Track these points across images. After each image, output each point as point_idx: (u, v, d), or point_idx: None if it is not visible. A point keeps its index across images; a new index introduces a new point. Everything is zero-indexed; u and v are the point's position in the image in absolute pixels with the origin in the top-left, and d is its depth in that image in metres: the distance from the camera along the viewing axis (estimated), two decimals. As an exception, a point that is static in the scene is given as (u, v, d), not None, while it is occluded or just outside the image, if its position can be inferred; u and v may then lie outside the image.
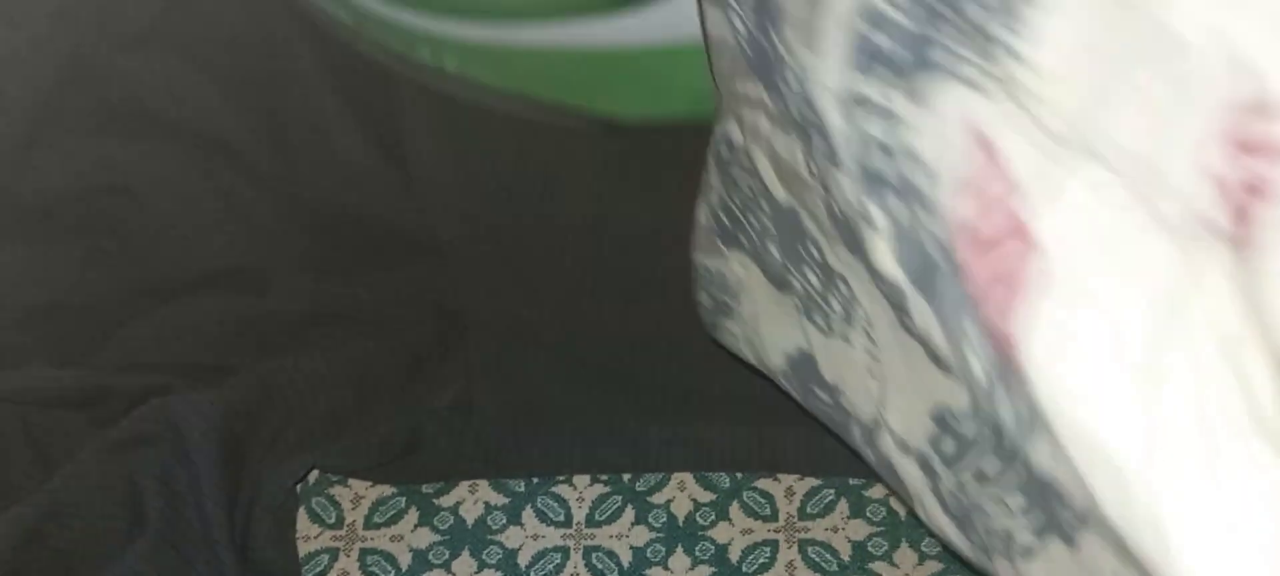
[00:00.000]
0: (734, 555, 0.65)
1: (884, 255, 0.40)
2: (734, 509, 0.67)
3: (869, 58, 0.36)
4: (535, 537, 0.67)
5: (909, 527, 0.65)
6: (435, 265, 0.72)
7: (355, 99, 0.76)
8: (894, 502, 0.66)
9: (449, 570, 0.66)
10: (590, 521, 0.67)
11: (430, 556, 0.67)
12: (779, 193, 0.48)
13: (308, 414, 0.66)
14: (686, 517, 0.67)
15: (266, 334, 0.69)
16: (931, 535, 0.61)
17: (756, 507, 0.67)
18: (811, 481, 0.67)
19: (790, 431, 0.67)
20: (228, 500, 0.63)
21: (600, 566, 0.66)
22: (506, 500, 0.68)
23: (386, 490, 0.68)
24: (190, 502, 0.64)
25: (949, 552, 0.63)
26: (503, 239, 0.72)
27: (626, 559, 0.66)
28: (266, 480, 0.64)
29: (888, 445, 0.48)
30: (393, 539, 0.67)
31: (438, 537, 0.67)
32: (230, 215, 0.73)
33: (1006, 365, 0.36)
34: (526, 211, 0.73)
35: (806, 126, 0.41)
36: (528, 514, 0.67)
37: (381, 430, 0.66)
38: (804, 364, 0.53)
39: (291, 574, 0.64)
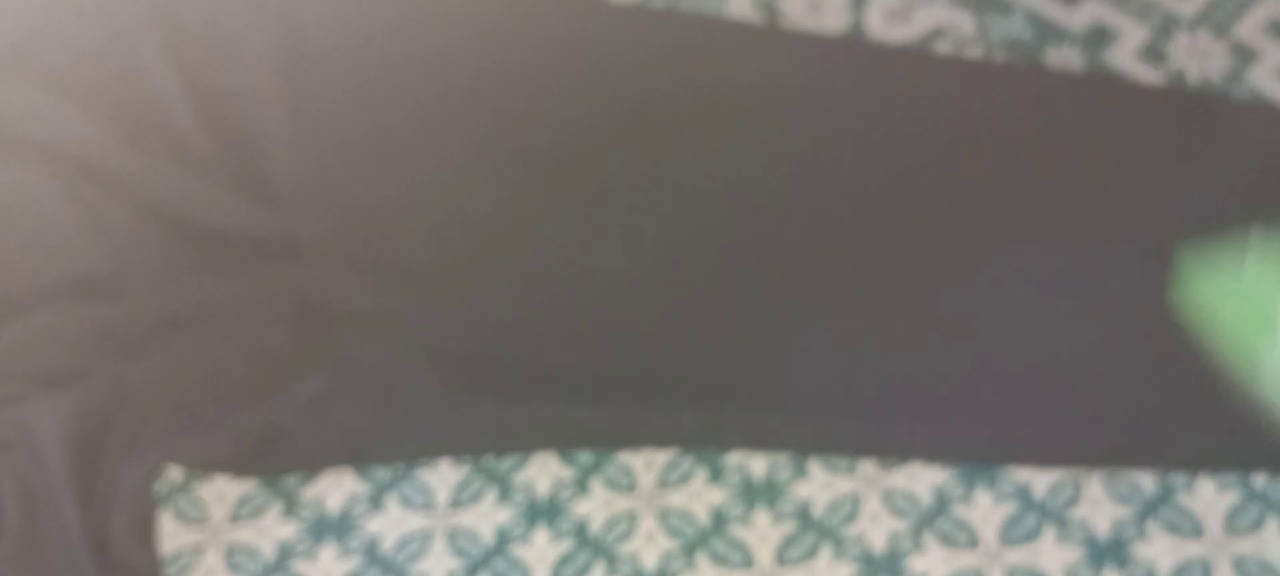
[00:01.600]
0: (595, 526, 0.65)
1: None
2: (595, 483, 0.67)
3: None
4: (399, 523, 0.66)
5: (762, 492, 0.66)
6: (293, 266, 0.72)
7: (212, 110, 0.76)
8: (750, 468, 0.66)
9: (313, 558, 0.65)
10: (454, 503, 0.66)
11: (295, 547, 0.65)
12: None
13: (162, 412, 0.65)
14: (548, 494, 0.66)
15: (124, 338, 0.68)
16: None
17: (617, 480, 0.66)
18: (671, 452, 0.67)
19: (651, 408, 0.67)
20: (84, 501, 0.62)
21: (464, 546, 0.65)
22: (370, 488, 0.67)
23: (250, 485, 0.67)
24: (47, 505, 0.62)
25: (803, 515, 0.64)
26: (365, 235, 0.73)
27: (490, 537, 0.65)
28: (122, 479, 0.63)
29: None
30: (258, 532, 0.66)
31: (302, 527, 0.66)
32: (88, 226, 0.72)
33: None
34: (388, 207, 0.73)
35: None
36: (391, 500, 0.66)
37: (237, 424, 0.65)
38: None
39: (152, 572, 0.63)
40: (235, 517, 0.66)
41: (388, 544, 0.65)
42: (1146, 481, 0.65)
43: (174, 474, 0.68)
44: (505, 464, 0.67)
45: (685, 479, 0.67)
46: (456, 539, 0.65)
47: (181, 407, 0.66)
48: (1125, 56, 0.77)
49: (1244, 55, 0.77)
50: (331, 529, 0.66)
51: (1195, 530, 0.63)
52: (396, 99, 0.77)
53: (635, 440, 0.67)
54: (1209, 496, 0.64)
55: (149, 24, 0.81)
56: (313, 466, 0.67)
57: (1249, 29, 0.78)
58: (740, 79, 0.78)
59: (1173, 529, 0.63)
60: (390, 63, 0.77)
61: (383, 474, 0.67)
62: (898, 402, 0.67)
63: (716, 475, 0.67)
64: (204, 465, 0.66)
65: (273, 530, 0.66)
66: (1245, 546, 0.62)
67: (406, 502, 0.66)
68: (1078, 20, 0.79)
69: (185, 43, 0.80)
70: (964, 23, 0.79)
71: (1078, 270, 0.70)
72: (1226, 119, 0.74)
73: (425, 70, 0.78)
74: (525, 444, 0.67)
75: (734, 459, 0.67)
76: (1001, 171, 0.73)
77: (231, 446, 0.65)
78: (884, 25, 0.79)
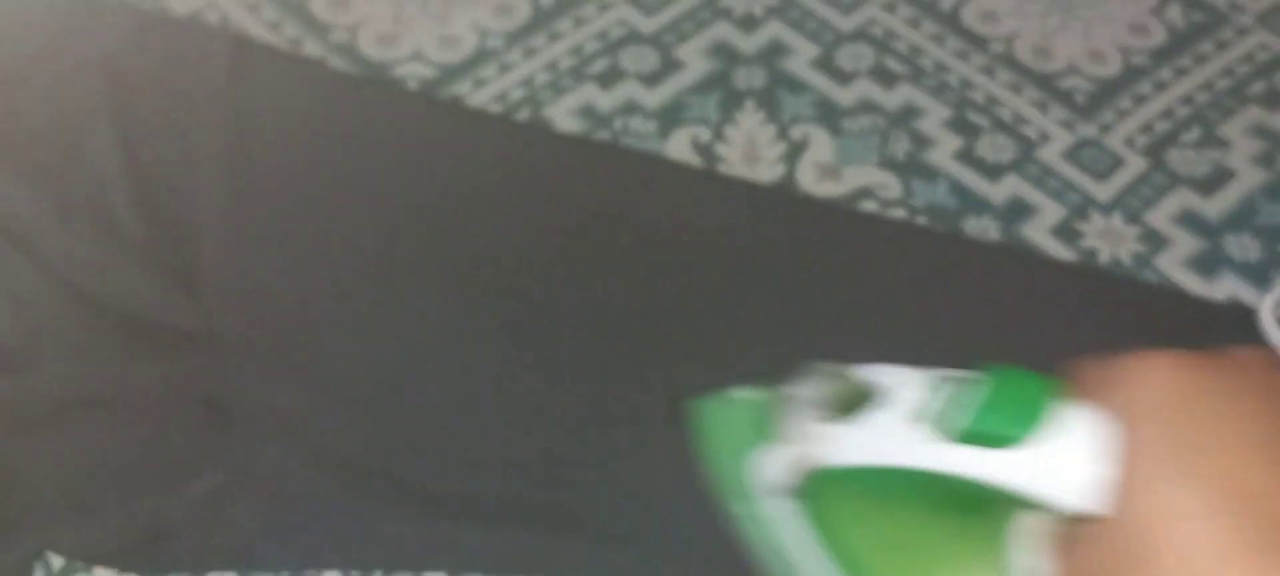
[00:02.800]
0: (480, 655, 0.63)
1: None
2: (485, 609, 0.64)
3: None
4: (279, 632, 0.63)
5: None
6: (210, 358, 0.70)
7: (151, 197, 0.75)
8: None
9: (187, 664, 0.62)
10: (338, 618, 0.64)
11: (169, 649, 0.63)
12: None
13: (48, 497, 0.63)
14: (436, 616, 0.64)
15: (23, 415, 0.66)
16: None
17: (508, 608, 0.65)
18: (565, 584, 0.65)
19: (542, 537, 0.65)
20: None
21: (344, 664, 0.62)
22: (255, 594, 0.65)
23: (132, 581, 0.65)
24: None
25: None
26: (286, 338, 0.71)
27: (371, 656, 0.63)
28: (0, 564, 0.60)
29: None
30: (133, 631, 0.63)
31: (180, 630, 0.63)
32: (7, 298, 0.70)
33: None
34: (313, 313, 0.72)
35: None
36: (275, 608, 0.64)
37: (123, 516, 0.63)
38: None
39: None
40: (111, 614, 0.64)
41: (266, 654, 0.63)
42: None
43: (55, 562, 0.65)
44: (395, 582, 0.65)
45: (577, 613, 0.65)
46: (335, 654, 0.63)
47: (68, 493, 0.63)
48: (1041, 232, 0.79)
49: (1154, 242, 0.79)
50: (210, 633, 0.63)
51: None
52: (336, 208, 0.76)
53: (526, 569, 0.65)
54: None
55: (100, 105, 0.80)
56: (197, 567, 0.64)
57: (1160, 217, 0.80)
58: (674, 217, 0.78)
59: None
60: (334, 172, 0.77)
61: (269, 580, 0.65)
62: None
63: (609, 611, 0.65)
64: (85, 556, 0.63)
65: (150, 629, 0.63)
66: None
67: (290, 612, 0.64)
68: (998, 193, 0.80)
69: (134, 127, 0.79)
70: (891, 185, 0.80)
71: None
72: (1134, 299, 0.76)
73: (367, 185, 0.77)
74: (417, 563, 0.64)
75: (628, 595, 0.65)
76: (916, 331, 0.74)
77: (115, 539, 0.62)
78: (815, 180, 0.80)
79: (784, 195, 0.79)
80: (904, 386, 0.49)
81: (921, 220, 0.79)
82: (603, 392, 0.70)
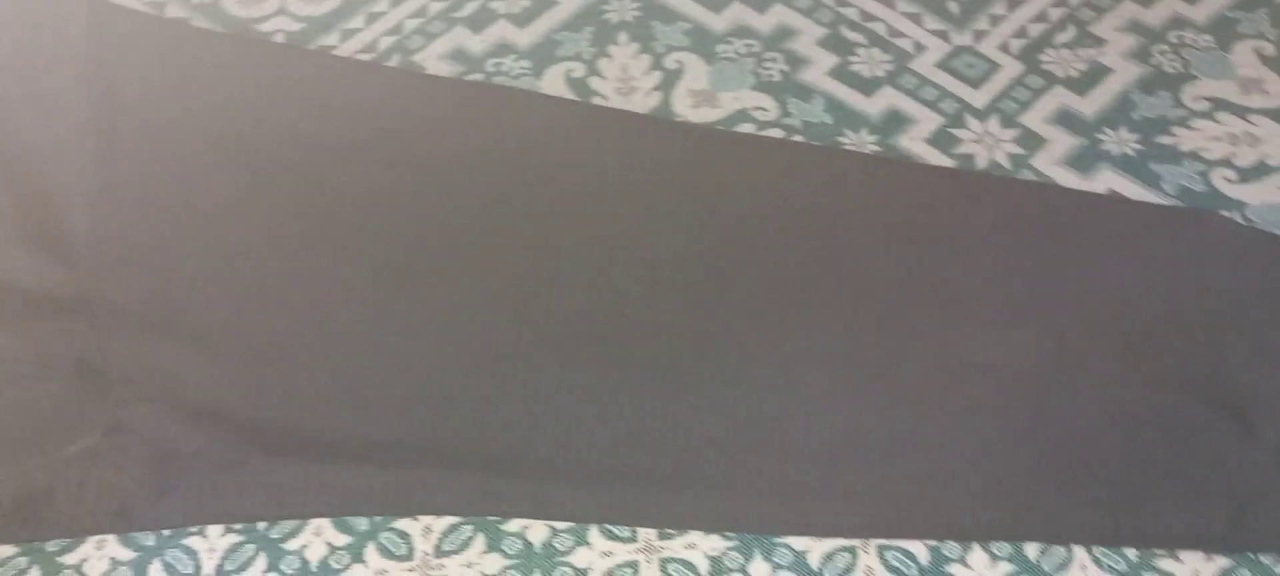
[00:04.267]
0: (366, 596, 0.62)
1: None
2: (370, 550, 0.64)
3: None
4: (160, 591, 0.63)
5: (542, 558, 0.64)
6: (82, 323, 0.69)
7: (18, 165, 0.73)
8: (529, 535, 0.64)
9: (66, 629, 0.62)
10: (220, 572, 0.63)
11: (47, 616, 0.62)
12: None
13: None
14: (320, 561, 0.63)
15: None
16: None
17: (392, 547, 0.64)
18: (451, 519, 0.65)
19: (431, 474, 0.65)
20: None
21: (226, 615, 0.62)
22: (134, 555, 0.63)
23: (9, 550, 0.63)
24: None
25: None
26: (157, 297, 0.70)
27: (254, 606, 0.62)
28: None
29: None
30: (9, 601, 0.62)
31: (57, 596, 0.62)
32: None
33: None
34: (183, 272, 0.71)
35: None
36: (155, 568, 0.63)
37: (-11, 483, 0.62)
38: None
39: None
40: (-13, 585, 0.63)
41: (146, 613, 0.62)
42: (921, 551, 0.64)
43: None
44: (278, 531, 0.64)
45: (463, 546, 0.64)
46: (219, 607, 0.62)
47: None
48: (917, 142, 0.79)
49: (1031, 142, 0.79)
50: (88, 597, 0.63)
51: (965, 599, 0.63)
52: (206, 167, 0.75)
53: (413, 507, 0.65)
54: (982, 568, 0.63)
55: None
56: (73, 532, 0.63)
57: (1036, 118, 0.81)
58: (549, 152, 0.77)
59: (944, 598, 0.63)
60: (203, 131, 0.75)
61: (149, 539, 0.64)
62: (680, 473, 0.66)
63: (496, 542, 0.64)
64: (-47, 525, 0.62)
65: (26, 598, 0.62)
66: (1014, 616, 0.62)
67: (170, 570, 0.63)
68: (874, 107, 0.81)
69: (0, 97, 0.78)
70: (767, 107, 0.80)
71: (861, 346, 0.70)
72: (1010, 197, 0.76)
73: (237, 141, 0.76)
74: (299, 510, 0.64)
75: (515, 527, 0.65)
76: (794, 247, 0.74)
77: (-17, 507, 0.61)
78: (691, 107, 0.80)
79: (659, 123, 0.79)
80: None
81: (798, 138, 0.79)
82: (481, 329, 0.70)
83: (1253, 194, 0.78)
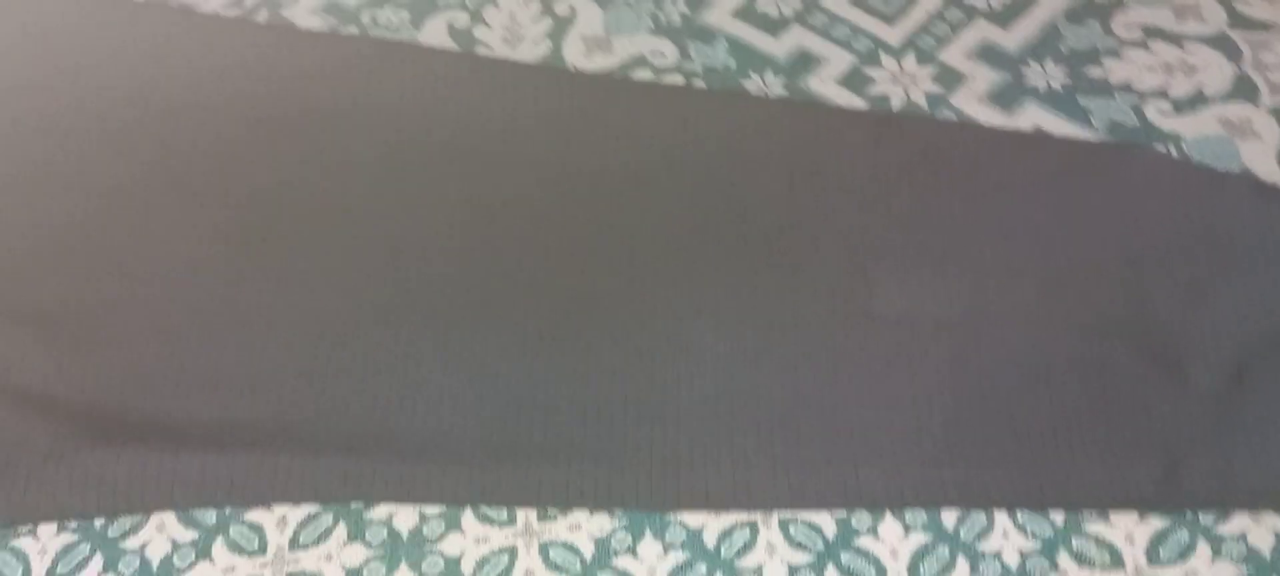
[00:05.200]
0: (212, 596, 0.57)
1: None
2: (217, 546, 0.57)
3: None
4: (-18, 599, 0.57)
5: (410, 547, 0.58)
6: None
7: None
8: (396, 522, 0.58)
9: (-125, 646, 0.56)
10: (51, 574, 0.57)
11: None
12: None
13: None
14: (162, 560, 0.57)
15: None
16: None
17: (243, 542, 0.58)
18: (309, 508, 0.59)
19: (282, 457, 0.59)
20: None
21: (54, 624, 0.56)
22: (-45, 559, 0.58)
23: None
24: None
25: (450, 571, 0.56)
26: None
27: (87, 612, 0.56)
28: None
29: None
30: None
31: None
32: None
33: None
34: (19, 254, 0.65)
35: None
36: (-22, 572, 0.57)
37: None
38: None
39: None
40: None
41: (-34, 624, 0.56)
42: (827, 524, 0.59)
43: None
44: (116, 527, 0.58)
45: (322, 537, 0.58)
46: (46, 616, 0.56)
47: None
48: (827, 83, 0.73)
49: (950, 79, 0.74)
50: (-99, 608, 0.57)
51: (880, 571, 0.57)
52: (33, 124, 0.69)
53: (266, 495, 0.58)
54: (894, 540, 0.58)
55: None
56: (-112, 536, 0.57)
57: (955, 54, 0.75)
58: (426, 107, 0.71)
59: (852, 575, 0.57)
60: (31, 87, 0.69)
61: (-30, 542, 0.58)
62: (562, 447, 0.60)
63: (358, 531, 0.58)
64: None
65: None
66: (930, 590, 0.57)
67: (-6, 574, 0.58)
68: (781, 48, 0.75)
69: None
70: (666, 51, 0.74)
71: (763, 304, 0.64)
72: (926, 139, 0.71)
73: (70, 96, 0.70)
74: (139, 504, 0.58)
75: (381, 512, 0.59)
76: (692, 201, 0.68)
77: None
78: (583, 55, 0.74)
79: (547, 72, 0.73)
80: None
81: (699, 83, 0.74)
82: (343, 298, 0.63)
83: (1189, 126, 0.72)
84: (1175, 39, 0.76)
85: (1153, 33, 0.76)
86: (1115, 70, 0.74)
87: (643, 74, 0.73)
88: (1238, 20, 0.76)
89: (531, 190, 0.68)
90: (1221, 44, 0.75)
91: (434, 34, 0.74)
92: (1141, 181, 0.69)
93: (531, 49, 0.74)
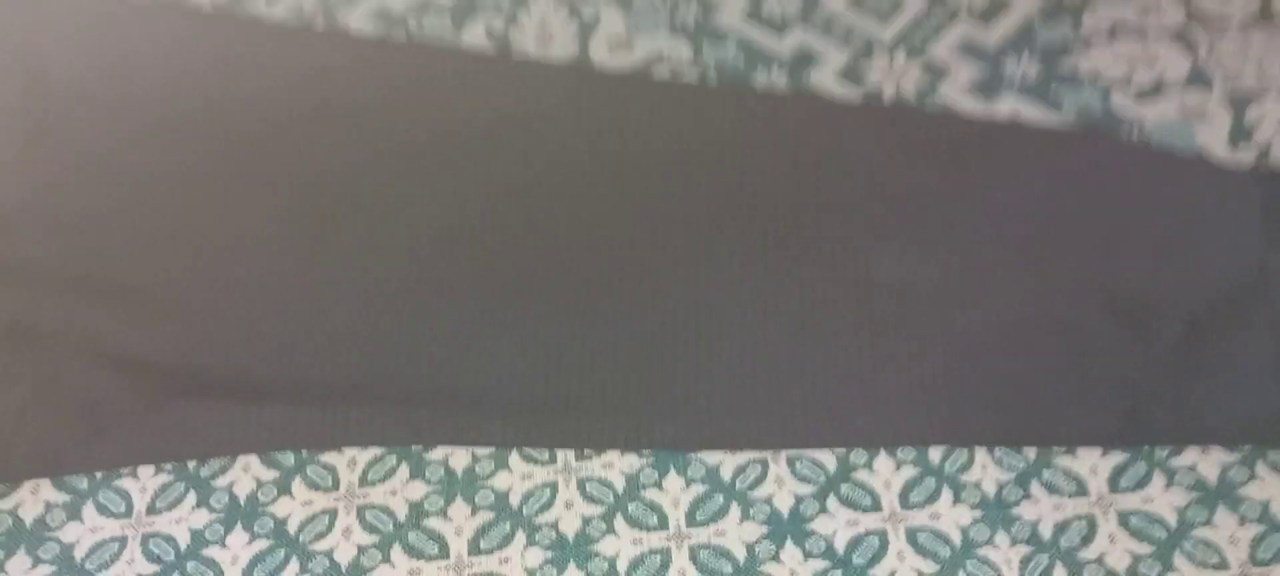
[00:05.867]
0: (293, 526, 0.64)
1: None
2: (296, 483, 0.66)
3: None
4: (93, 531, 0.64)
5: (464, 483, 0.65)
6: (13, 288, 0.71)
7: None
8: (451, 462, 0.66)
9: (3, 570, 0.63)
10: (151, 510, 0.65)
11: (-16, 559, 0.64)
12: None
13: None
14: (248, 496, 0.65)
15: None
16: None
17: (318, 480, 0.66)
18: (376, 450, 0.67)
19: (351, 407, 0.67)
20: None
21: (157, 551, 0.63)
22: (67, 498, 0.65)
23: (-54, 500, 0.65)
24: None
25: (500, 504, 0.64)
26: (82, 256, 0.72)
27: (185, 540, 0.64)
28: None
29: None
30: (-52, 546, 0.64)
31: (-7, 540, 0.64)
32: None
33: None
34: (106, 230, 0.72)
35: None
36: (88, 509, 0.65)
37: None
38: None
39: None
40: (-73, 532, 0.64)
41: (81, 551, 0.64)
42: (828, 459, 0.66)
43: None
44: (208, 469, 0.66)
45: (387, 475, 0.66)
46: (150, 543, 0.64)
47: None
48: (827, 77, 0.81)
49: (936, 72, 0.81)
50: (23, 539, 0.64)
51: (873, 503, 0.64)
52: (133, 134, 0.76)
53: (338, 440, 0.67)
54: (887, 473, 0.66)
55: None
56: (8, 477, 0.65)
57: (941, 49, 0.82)
58: (469, 103, 0.79)
59: (850, 503, 0.65)
60: (129, 99, 0.77)
61: (81, 483, 0.66)
62: (596, 397, 0.68)
63: (418, 470, 0.66)
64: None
65: (-36, 543, 0.64)
66: (919, 517, 0.64)
67: (103, 510, 0.65)
68: (785, 47, 0.82)
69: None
70: (681, 50, 0.82)
71: (771, 271, 0.72)
72: (915, 126, 0.78)
73: (163, 107, 0.78)
74: (226, 448, 0.66)
75: (438, 454, 0.67)
76: (707, 182, 0.75)
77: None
78: (607, 53, 0.82)
79: (575, 70, 0.81)
80: None
81: (712, 79, 0.81)
82: (402, 271, 0.71)
83: (1150, 112, 0.79)
84: (1138, 34, 0.83)
85: (1118, 28, 0.83)
86: (1084, 62, 0.81)
87: (661, 70, 0.81)
88: (1195, 16, 0.84)
89: (564, 175, 0.75)
90: (1180, 38, 0.83)
91: (473, 36, 0.82)
92: (1108, 162, 0.76)
93: (561, 49, 0.82)
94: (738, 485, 0.65)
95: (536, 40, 0.83)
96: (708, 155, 0.77)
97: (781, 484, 0.65)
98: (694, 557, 0.63)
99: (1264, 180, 0.74)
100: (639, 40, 0.83)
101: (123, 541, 0.64)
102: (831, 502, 0.64)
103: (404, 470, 0.66)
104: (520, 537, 0.64)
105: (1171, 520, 0.64)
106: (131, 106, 0.78)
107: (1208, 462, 0.65)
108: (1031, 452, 0.66)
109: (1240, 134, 0.77)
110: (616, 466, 0.66)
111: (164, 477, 0.66)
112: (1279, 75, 0.80)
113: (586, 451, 0.66)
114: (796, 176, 0.76)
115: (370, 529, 0.64)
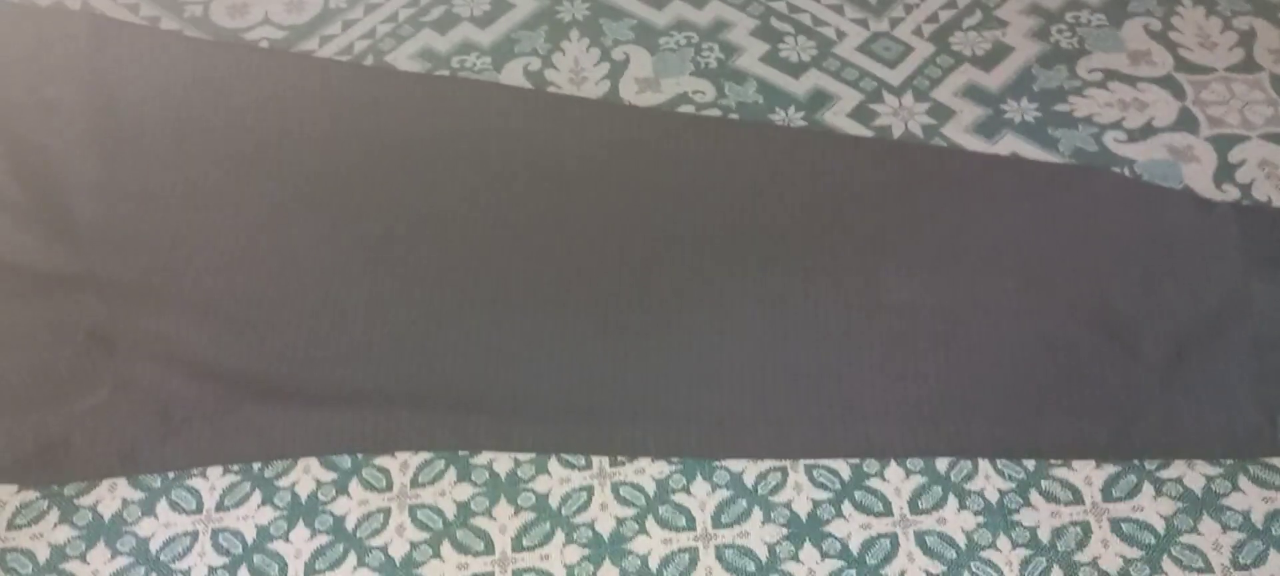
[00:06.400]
0: (350, 523, 0.69)
1: None
2: (353, 484, 0.71)
3: None
4: (167, 526, 0.69)
5: (507, 486, 0.71)
6: (91, 297, 0.76)
7: (28, 163, 0.81)
8: (495, 466, 0.71)
9: (84, 560, 0.68)
10: (219, 507, 0.70)
11: (67, 549, 0.68)
12: None
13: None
14: (309, 495, 0.70)
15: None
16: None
17: (374, 481, 0.71)
18: (426, 455, 0.72)
19: (404, 414, 0.72)
20: None
21: (226, 544, 0.68)
22: (142, 495, 0.70)
23: (31, 495, 0.70)
24: None
25: (540, 505, 0.68)
26: (158, 270, 0.77)
27: (251, 536, 0.69)
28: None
29: None
30: (33, 537, 0.68)
31: (75, 533, 0.69)
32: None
33: None
34: (181, 246, 0.78)
35: None
36: (162, 505, 0.70)
37: (10, 431, 0.68)
38: None
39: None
40: (12, 525, 0.69)
41: (155, 544, 0.68)
42: (843, 468, 0.71)
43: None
44: (271, 470, 0.71)
45: (436, 477, 0.71)
46: (219, 538, 0.69)
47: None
48: (840, 116, 0.87)
49: (941, 114, 0.87)
50: (103, 532, 0.69)
51: (885, 509, 0.69)
52: (199, 157, 0.82)
53: (391, 444, 0.72)
54: (897, 481, 0.71)
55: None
56: (88, 475, 0.70)
57: (945, 92, 0.88)
58: (509, 135, 0.85)
59: (863, 508, 0.70)
60: (195, 126, 0.83)
61: (155, 481, 0.71)
62: (629, 407, 0.73)
63: (465, 473, 0.71)
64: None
65: (47, 535, 0.68)
66: (927, 522, 0.69)
67: (175, 507, 0.70)
68: (801, 88, 0.88)
69: (8, 106, 0.85)
70: (705, 90, 0.88)
71: (790, 292, 0.77)
72: (922, 161, 0.84)
73: (226, 133, 0.84)
74: (289, 451, 0.71)
75: (483, 459, 0.72)
76: (729, 209, 0.81)
77: (7, 453, 0.68)
78: (636, 93, 0.88)
79: (607, 106, 0.87)
80: None
81: (733, 116, 0.87)
82: (450, 290, 0.77)
83: (1140, 152, 0.85)
84: (1130, 80, 0.89)
85: (1111, 75, 0.89)
86: (1079, 106, 0.88)
87: (686, 108, 0.87)
88: (1182, 65, 0.90)
89: (597, 202, 0.81)
90: (1168, 84, 0.89)
91: (512, 75, 0.88)
92: (1101, 197, 0.82)
93: (593, 88, 0.88)
94: (760, 490, 0.70)
95: (570, 79, 0.89)
96: (730, 185, 0.83)
97: (800, 490, 0.70)
98: (720, 556, 0.68)
99: (1244, 214, 0.80)
100: (665, 81, 0.89)
101: (194, 536, 0.69)
102: (846, 507, 0.70)
103: (452, 473, 0.71)
104: (559, 536, 0.69)
105: (1160, 527, 0.69)
106: (197, 135, 0.84)
107: (1193, 475, 0.70)
108: (1030, 464, 0.71)
109: (1224, 173, 0.83)
110: (648, 472, 0.71)
111: (231, 477, 0.71)
112: (1260, 121, 0.87)
113: (619, 458, 0.72)
114: (812, 205, 0.81)
115: (421, 526, 0.69)
